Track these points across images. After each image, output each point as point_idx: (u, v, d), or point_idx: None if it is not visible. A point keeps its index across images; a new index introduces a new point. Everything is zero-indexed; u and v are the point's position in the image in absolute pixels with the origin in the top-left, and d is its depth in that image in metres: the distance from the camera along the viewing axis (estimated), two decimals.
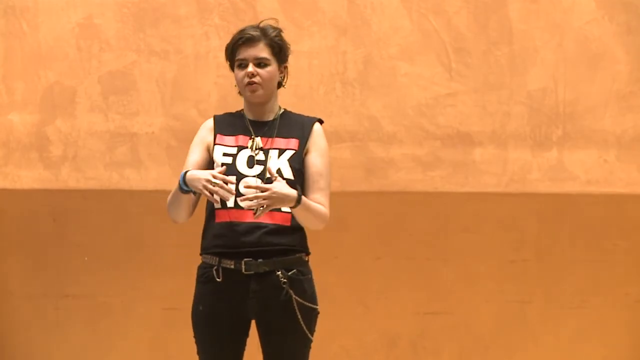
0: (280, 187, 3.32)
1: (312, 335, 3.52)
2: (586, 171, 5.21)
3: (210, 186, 3.29)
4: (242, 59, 3.52)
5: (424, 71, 5.20)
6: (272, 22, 3.58)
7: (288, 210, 3.45)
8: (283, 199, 3.33)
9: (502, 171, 5.21)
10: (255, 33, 3.52)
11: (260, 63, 3.52)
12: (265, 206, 3.30)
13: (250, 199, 3.30)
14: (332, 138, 5.10)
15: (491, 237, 5.18)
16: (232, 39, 3.56)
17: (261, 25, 3.57)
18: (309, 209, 3.43)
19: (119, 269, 5.19)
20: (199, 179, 3.32)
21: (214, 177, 3.30)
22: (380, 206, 5.18)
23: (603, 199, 5.20)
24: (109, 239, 5.19)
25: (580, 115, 5.21)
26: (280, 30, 3.58)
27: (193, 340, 3.57)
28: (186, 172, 3.39)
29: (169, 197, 3.52)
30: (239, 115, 3.63)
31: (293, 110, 3.67)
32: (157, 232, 5.11)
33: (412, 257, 5.19)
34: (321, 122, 3.64)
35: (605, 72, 5.20)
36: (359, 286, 5.19)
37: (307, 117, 3.64)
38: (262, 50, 3.52)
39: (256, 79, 3.50)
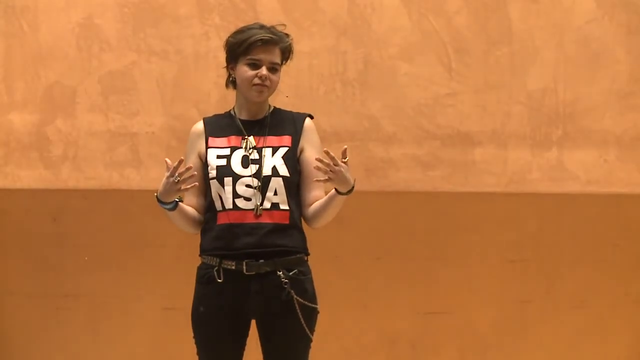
0: (346, 169, 3.37)
1: (312, 334, 3.53)
2: (586, 171, 5.21)
3: (177, 182, 3.36)
4: (257, 60, 3.51)
5: (424, 71, 5.20)
6: (282, 28, 3.59)
7: (287, 208, 3.48)
8: (344, 180, 3.37)
9: (502, 171, 5.21)
10: (274, 36, 3.53)
11: (273, 68, 3.54)
12: (328, 178, 3.35)
13: (323, 166, 3.34)
14: (332, 138, 5.10)
15: (491, 237, 5.18)
16: (247, 36, 3.51)
17: (272, 29, 3.56)
18: (342, 203, 3.50)
19: (119, 269, 5.19)
20: (166, 188, 3.39)
21: (171, 174, 3.36)
22: (380, 206, 5.18)
23: (603, 199, 5.20)
24: (109, 239, 5.19)
25: (580, 115, 5.21)
26: (291, 39, 3.59)
27: (193, 340, 3.57)
28: (156, 195, 3.44)
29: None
30: (228, 115, 3.63)
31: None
32: (158, 232, 5.11)
33: (412, 257, 5.19)
34: (311, 117, 3.66)
35: (605, 72, 5.21)
36: (359, 286, 5.19)
37: (297, 113, 3.66)
38: (277, 56, 3.55)
39: (267, 83, 3.52)
